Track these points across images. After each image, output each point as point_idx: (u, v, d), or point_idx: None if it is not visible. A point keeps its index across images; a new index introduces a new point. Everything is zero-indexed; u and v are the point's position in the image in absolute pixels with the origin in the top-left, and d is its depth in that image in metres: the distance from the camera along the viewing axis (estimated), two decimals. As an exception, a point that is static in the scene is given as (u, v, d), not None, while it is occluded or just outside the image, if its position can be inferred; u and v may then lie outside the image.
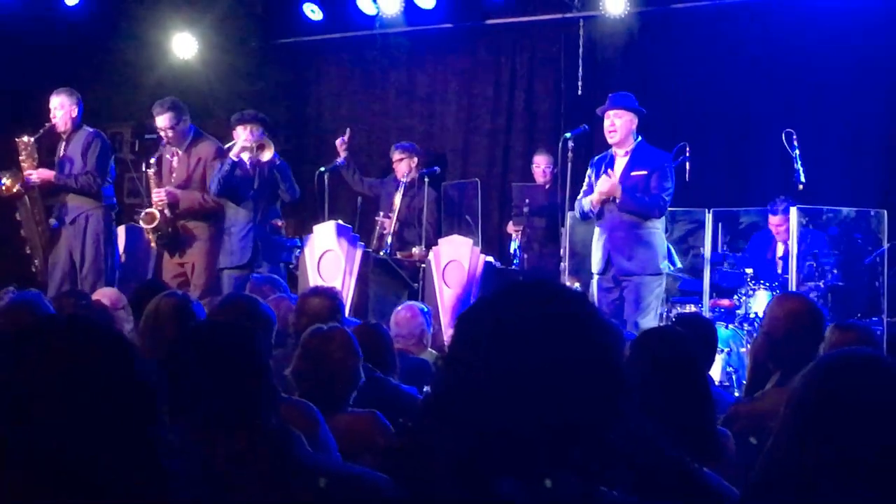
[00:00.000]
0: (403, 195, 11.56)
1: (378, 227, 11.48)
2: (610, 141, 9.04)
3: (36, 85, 12.05)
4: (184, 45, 12.95)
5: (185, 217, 9.77)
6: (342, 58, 13.83)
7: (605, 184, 8.87)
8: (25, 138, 9.89)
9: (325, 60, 13.96)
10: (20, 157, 9.91)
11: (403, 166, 11.76)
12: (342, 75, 13.87)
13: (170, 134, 9.78)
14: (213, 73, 12.95)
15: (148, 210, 9.73)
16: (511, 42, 13.02)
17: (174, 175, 9.83)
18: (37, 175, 9.87)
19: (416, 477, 2.01)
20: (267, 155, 9.80)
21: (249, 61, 13.53)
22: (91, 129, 10.08)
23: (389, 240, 11.18)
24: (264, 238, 10.12)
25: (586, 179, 9.25)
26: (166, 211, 9.61)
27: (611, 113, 9.01)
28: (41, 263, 10.01)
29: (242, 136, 10.01)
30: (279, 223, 10.02)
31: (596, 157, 9.33)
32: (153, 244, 9.82)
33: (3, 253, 10.81)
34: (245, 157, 9.79)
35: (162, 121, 9.79)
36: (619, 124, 8.95)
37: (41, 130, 9.95)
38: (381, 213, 11.58)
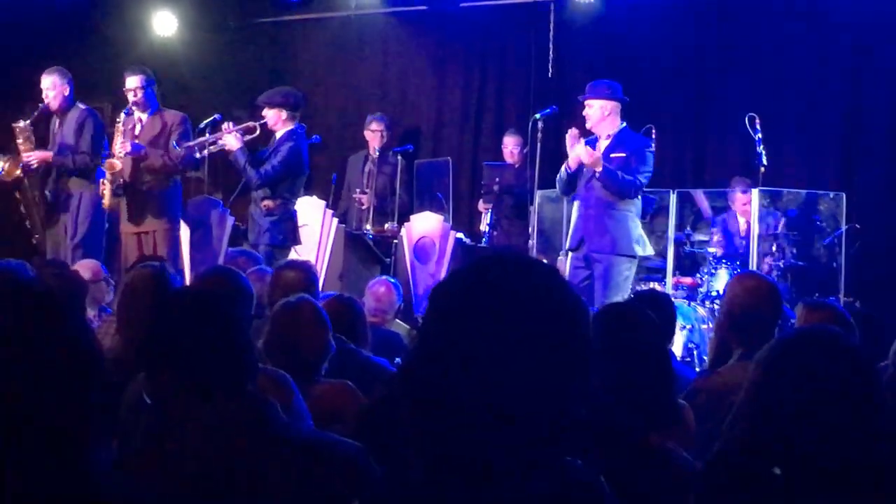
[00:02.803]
0: (378, 169, 11.80)
1: (356, 204, 11.65)
2: (587, 126, 9.24)
3: (17, 61, 12.17)
4: (164, 23, 12.95)
5: (145, 176, 9.84)
6: (318, 38, 13.85)
7: (587, 155, 8.95)
8: (22, 123, 10.00)
9: (302, 40, 13.96)
10: (17, 142, 10.01)
11: (377, 138, 11.96)
12: (318, 55, 13.90)
13: (139, 94, 9.83)
14: (192, 51, 12.96)
15: (110, 160, 9.79)
16: (483, 24, 13.07)
17: (139, 140, 9.83)
18: (35, 158, 9.97)
19: (388, 447, 2.08)
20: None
21: (228, 40, 13.56)
22: (84, 107, 10.20)
23: (370, 215, 11.36)
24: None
25: None
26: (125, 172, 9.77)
27: (585, 102, 9.21)
28: (41, 237, 10.13)
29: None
30: (268, 204, 10.00)
31: (584, 140, 9.38)
32: (106, 199, 9.81)
33: (10, 227, 10.94)
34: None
35: (133, 81, 9.87)
36: (590, 113, 9.17)
37: (35, 113, 10.07)
38: (358, 191, 11.74)
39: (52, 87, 10.05)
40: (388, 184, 11.89)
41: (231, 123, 9.93)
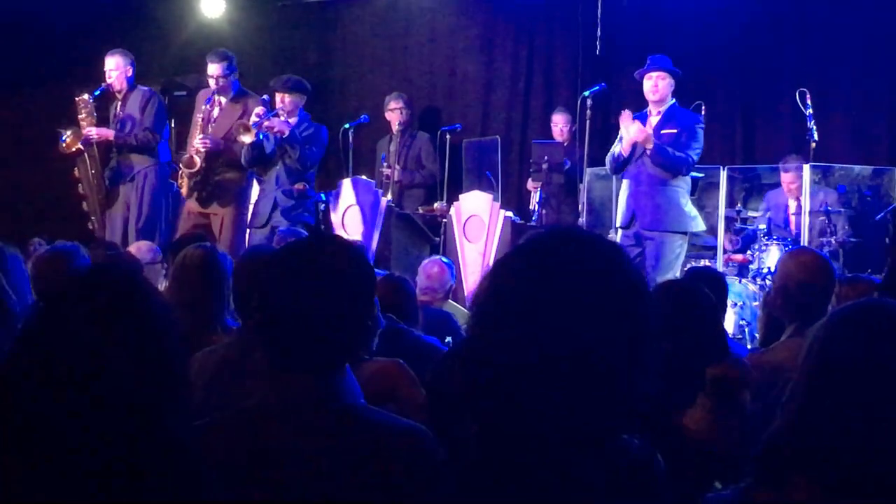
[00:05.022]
0: (400, 144, 11.90)
1: (384, 179, 11.65)
2: (652, 99, 9.23)
3: (66, 45, 12.25)
4: (211, 4, 12.96)
5: (223, 167, 10.00)
6: (365, 17, 13.85)
7: (639, 132, 9.01)
8: (86, 96, 10.16)
9: (349, 20, 13.98)
10: (80, 116, 10.17)
11: (397, 115, 12.10)
12: (366, 34, 13.88)
13: (220, 82, 10.05)
14: (239, 32, 12.95)
15: (188, 156, 9.95)
16: (530, 1, 13.03)
17: (214, 124, 10.05)
18: (96, 133, 10.11)
19: (449, 424, 2.10)
20: (246, 139, 9.89)
21: (275, 20, 13.58)
22: (146, 88, 10.39)
23: (391, 189, 11.40)
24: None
25: (619, 134, 9.37)
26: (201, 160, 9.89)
27: (654, 74, 9.20)
28: (98, 220, 10.23)
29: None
30: (300, 186, 10.13)
31: (632, 116, 9.43)
32: (184, 189, 9.99)
33: (63, 211, 11.04)
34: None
35: (215, 69, 10.07)
36: (661, 85, 9.17)
37: (98, 90, 10.20)
38: (385, 165, 11.75)
39: (115, 67, 10.23)
40: (413, 159, 12.12)
41: (264, 109, 9.96)
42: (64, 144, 10.11)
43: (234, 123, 9.88)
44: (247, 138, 9.76)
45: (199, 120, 10.04)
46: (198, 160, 9.86)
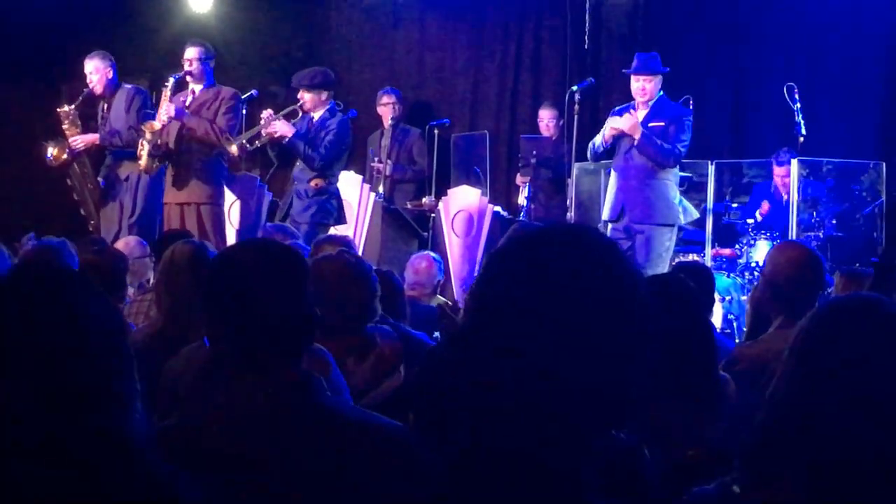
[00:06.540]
0: (392, 139, 11.86)
1: (375, 174, 11.65)
2: (640, 100, 9.22)
3: (54, 43, 12.22)
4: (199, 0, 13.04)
5: (190, 145, 9.89)
6: (355, 12, 13.78)
7: (626, 121, 9.03)
8: (66, 108, 10.10)
9: (339, 14, 13.92)
10: (63, 127, 10.11)
11: (389, 110, 12.05)
12: (355, 29, 13.83)
13: (194, 65, 9.93)
14: (227, 27, 12.92)
15: (150, 121, 9.80)
16: (519, -4, 13.12)
17: (188, 111, 9.93)
18: (81, 141, 10.06)
19: (435, 422, 1.97)
20: (233, 149, 9.77)
21: (264, 15, 13.47)
22: (130, 86, 10.29)
23: (382, 184, 11.37)
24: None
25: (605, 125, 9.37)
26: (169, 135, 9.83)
27: (641, 77, 9.18)
28: (96, 224, 10.14)
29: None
30: (314, 184, 10.02)
31: (617, 108, 9.46)
32: (143, 160, 9.79)
33: (61, 207, 11.00)
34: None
35: (191, 52, 9.96)
36: (649, 87, 9.16)
37: (80, 98, 10.14)
38: (377, 159, 11.72)
39: (94, 71, 10.13)
40: (404, 154, 12.07)
41: (271, 111, 9.94)
42: (52, 158, 10.06)
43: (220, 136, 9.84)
44: (233, 149, 9.71)
45: (164, 96, 9.88)
46: (157, 125, 9.70)
